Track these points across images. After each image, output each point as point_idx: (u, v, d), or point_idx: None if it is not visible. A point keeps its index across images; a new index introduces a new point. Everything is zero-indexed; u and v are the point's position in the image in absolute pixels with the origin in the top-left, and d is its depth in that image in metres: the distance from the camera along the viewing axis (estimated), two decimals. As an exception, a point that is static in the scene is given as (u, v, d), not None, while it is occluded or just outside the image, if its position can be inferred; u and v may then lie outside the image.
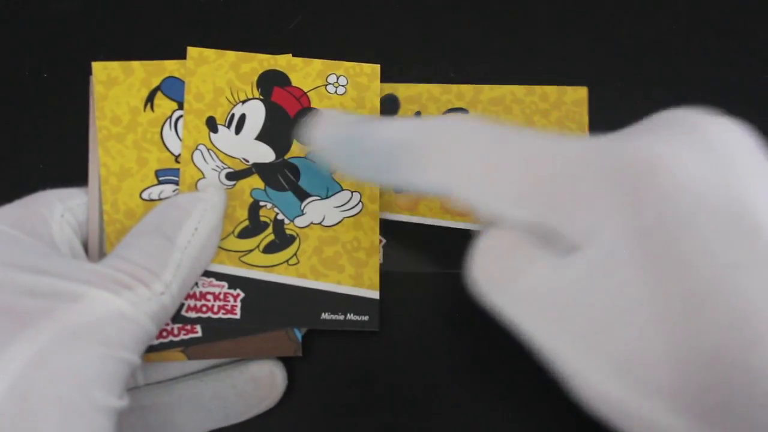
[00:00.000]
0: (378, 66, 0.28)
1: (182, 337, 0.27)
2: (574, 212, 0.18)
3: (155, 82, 0.27)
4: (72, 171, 0.28)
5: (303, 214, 0.28)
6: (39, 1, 0.31)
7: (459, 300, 0.29)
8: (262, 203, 0.27)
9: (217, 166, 0.27)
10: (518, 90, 0.31)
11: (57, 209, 0.25)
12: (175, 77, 0.27)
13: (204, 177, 0.27)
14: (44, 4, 0.31)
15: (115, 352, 0.21)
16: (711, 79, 0.33)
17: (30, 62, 0.30)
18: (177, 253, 0.24)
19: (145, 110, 0.27)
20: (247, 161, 0.27)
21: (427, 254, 0.29)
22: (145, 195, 0.27)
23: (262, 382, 0.27)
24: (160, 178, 0.27)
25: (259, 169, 0.27)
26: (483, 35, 0.32)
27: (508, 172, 0.19)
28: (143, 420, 0.26)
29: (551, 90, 0.31)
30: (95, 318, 0.21)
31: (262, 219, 0.27)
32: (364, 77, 0.28)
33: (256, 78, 0.28)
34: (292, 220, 0.28)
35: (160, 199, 0.27)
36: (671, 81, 0.33)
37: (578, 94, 0.31)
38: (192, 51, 0.27)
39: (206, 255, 0.25)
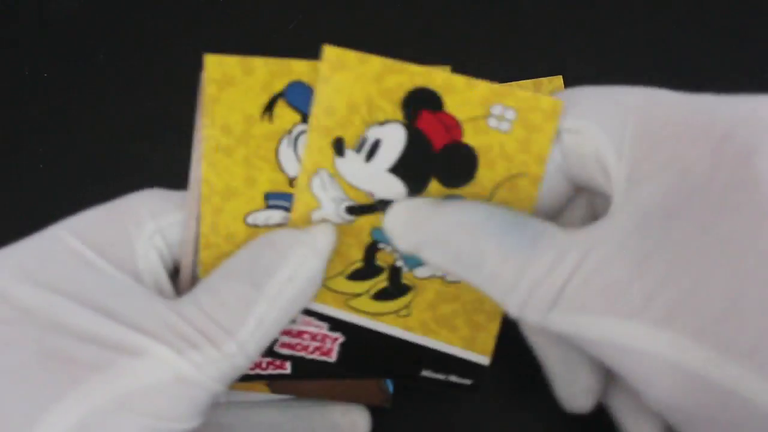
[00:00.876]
0: (560, 103, 0.22)
1: (270, 371, 0.24)
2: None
3: (278, 87, 0.21)
4: (72, 171, 0.27)
5: (425, 265, 0.23)
6: (39, 1, 0.30)
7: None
8: (381, 245, 0.23)
9: (338, 197, 0.22)
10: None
11: (147, 229, 0.22)
12: (302, 83, 0.21)
13: (320, 207, 0.23)
14: (44, 4, 0.30)
15: (167, 425, 0.19)
16: (711, 79, 0.31)
17: (30, 62, 0.29)
18: (263, 304, 0.20)
19: (262, 120, 0.22)
20: (373, 195, 0.23)
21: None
22: (249, 220, 0.22)
23: (341, 430, 0.25)
24: (270, 203, 0.23)
25: (386, 206, 0.23)
26: (483, 35, 0.32)
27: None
28: None
29: (527, 84, 0.31)
30: (152, 383, 0.19)
31: (377, 263, 0.23)
32: (538, 114, 0.22)
33: (402, 95, 0.22)
34: (412, 270, 0.23)
35: (266, 227, 0.23)
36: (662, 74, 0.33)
37: (554, 85, 0.30)
38: (330, 51, 0.21)
39: (298, 306, 0.22)
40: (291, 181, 0.22)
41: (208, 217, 0.22)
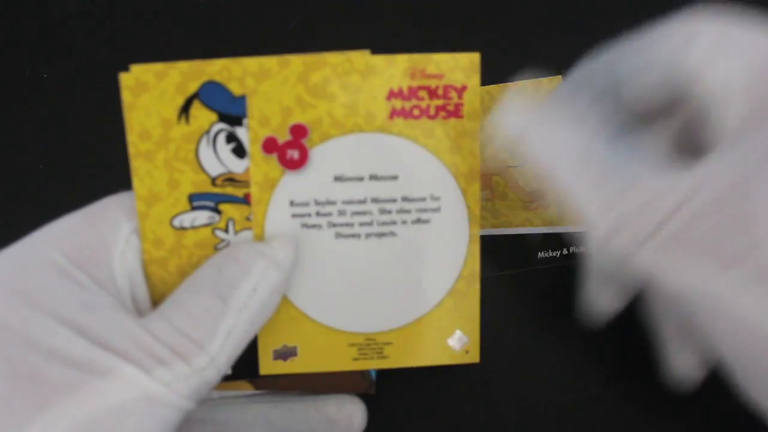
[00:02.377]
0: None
1: None
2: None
3: (193, 88, 0.22)
4: (72, 172, 0.27)
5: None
6: (39, 1, 0.30)
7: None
8: None
9: None
10: (494, 89, 0.30)
11: (123, 231, 0.22)
12: (215, 82, 0.22)
13: None
14: (44, 5, 0.30)
15: None
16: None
17: (30, 62, 0.29)
18: (230, 316, 0.20)
19: (179, 122, 0.22)
20: None
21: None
22: (176, 222, 0.23)
23: (337, 424, 0.25)
24: (194, 204, 0.23)
25: None
26: (483, 34, 0.33)
27: None
28: None
29: (526, 84, 0.31)
30: (120, 404, 0.18)
31: None
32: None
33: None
34: None
35: (192, 228, 0.23)
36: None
37: (553, 84, 0.30)
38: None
39: (264, 317, 0.22)
40: (213, 181, 0.23)
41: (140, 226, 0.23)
